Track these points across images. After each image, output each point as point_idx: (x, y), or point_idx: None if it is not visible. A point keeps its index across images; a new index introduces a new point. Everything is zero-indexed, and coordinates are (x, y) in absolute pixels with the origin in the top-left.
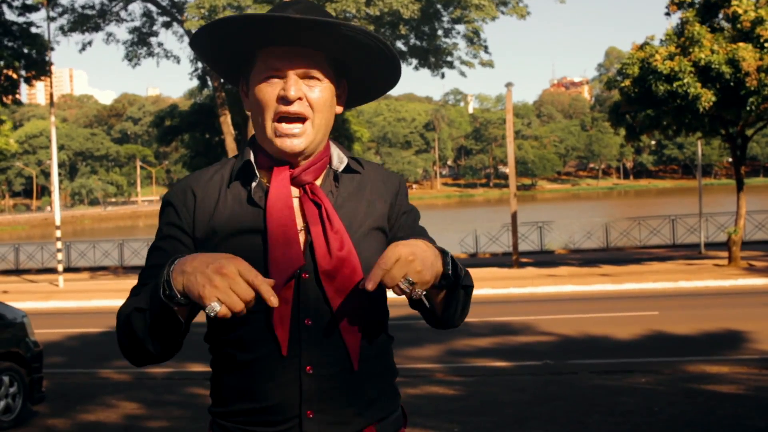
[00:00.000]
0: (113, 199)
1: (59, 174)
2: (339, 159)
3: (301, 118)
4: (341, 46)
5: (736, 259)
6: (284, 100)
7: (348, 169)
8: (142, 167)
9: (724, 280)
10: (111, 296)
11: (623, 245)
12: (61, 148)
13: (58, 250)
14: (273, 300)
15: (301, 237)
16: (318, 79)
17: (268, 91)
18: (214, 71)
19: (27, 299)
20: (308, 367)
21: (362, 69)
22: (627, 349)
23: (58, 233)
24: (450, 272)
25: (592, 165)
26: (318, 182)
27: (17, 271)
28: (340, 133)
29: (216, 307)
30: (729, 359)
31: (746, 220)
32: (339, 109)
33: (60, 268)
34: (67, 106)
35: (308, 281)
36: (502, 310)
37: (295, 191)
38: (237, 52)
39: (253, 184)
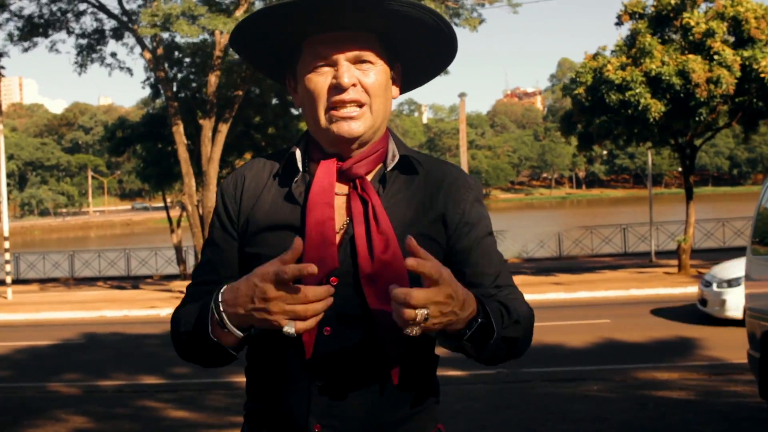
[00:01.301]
0: (64, 210)
1: (8, 184)
2: (392, 155)
3: (357, 104)
4: (392, 23)
5: (686, 267)
6: (338, 88)
7: (405, 167)
8: (93, 177)
9: (674, 288)
10: (61, 308)
11: (576, 254)
12: (10, 157)
13: (7, 262)
14: (312, 269)
15: (340, 236)
16: (371, 62)
17: (319, 80)
18: (256, 70)
19: None
20: (319, 380)
21: (416, 47)
22: (579, 356)
23: (7, 244)
24: (467, 333)
25: (545, 174)
26: (370, 177)
27: None
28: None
29: (290, 329)
30: (679, 366)
31: (695, 229)
32: (396, 93)
33: (8, 280)
34: (17, 115)
35: (336, 286)
36: None
37: (344, 188)
38: (280, 45)
39: (296, 178)
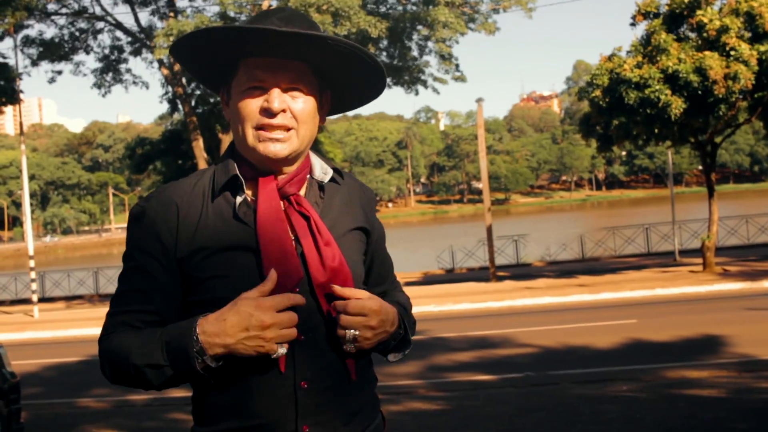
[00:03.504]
0: (86, 228)
1: (31, 204)
2: (322, 169)
3: (285, 128)
4: (325, 57)
5: (711, 265)
6: (267, 112)
7: (332, 179)
8: (114, 194)
9: (700, 286)
10: (87, 325)
11: (599, 255)
12: (32, 177)
13: (32, 281)
14: (301, 299)
15: None
16: (301, 90)
17: (251, 102)
18: (193, 78)
19: (2, 331)
20: (303, 383)
21: (346, 79)
22: (607, 357)
23: (32, 263)
24: (392, 343)
25: (564, 177)
26: (303, 192)
27: None
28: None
29: (281, 351)
30: (708, 364)
31: (719, 226)
32: (321, 123)
33: (34, 298)
34: (37, 136)
35: (299, 294)
36: (482, 324)
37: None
38: (218, 60)
39: (238, 199)
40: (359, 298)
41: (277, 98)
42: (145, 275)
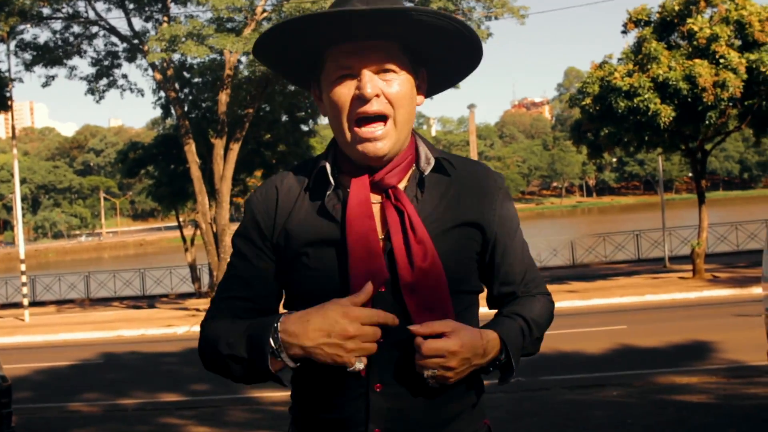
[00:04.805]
0: (77, 232)
1: (22, 208)
2: (426, 159)
3: (381, 117)
4: (414, 32)
5: (700, 272)
6: (361, 99)
7: (438, 169)
8: (105, 199)
9: (690, 293)
10: (78, 329)
11: (589, 262)
12: (23, 181)
13: (23, 284)
14: (395, 321)
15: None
16: (394, 71)
17: (343, 92)
18: (283, 77)
19: None
20: (377, 385)
21: (440, 53)
22: (597, 363)
23: (23, 267)
24: (490, 370)
25: (555, 184)
26: (403, 184)
27: None
28: (305, 159)
29: (359, 366)
30: (697, 370)
31: (708, 233)
32: (420, 100)
33: (25, 302)
34: (29, 139)
35: (384, 294)
36: None
37: (377, 197)
38: (303, 54)
39: (328, 193)
40: (441, 331)
41: (369, 82)
42: (246, 263)
